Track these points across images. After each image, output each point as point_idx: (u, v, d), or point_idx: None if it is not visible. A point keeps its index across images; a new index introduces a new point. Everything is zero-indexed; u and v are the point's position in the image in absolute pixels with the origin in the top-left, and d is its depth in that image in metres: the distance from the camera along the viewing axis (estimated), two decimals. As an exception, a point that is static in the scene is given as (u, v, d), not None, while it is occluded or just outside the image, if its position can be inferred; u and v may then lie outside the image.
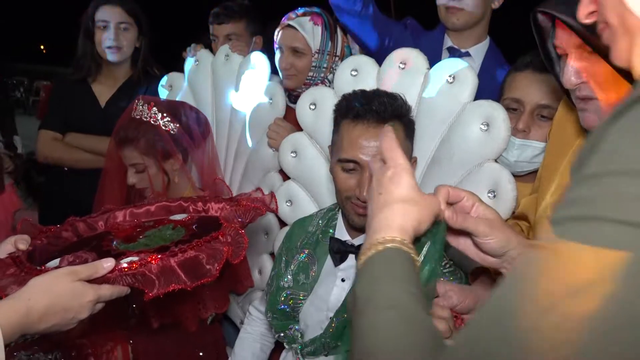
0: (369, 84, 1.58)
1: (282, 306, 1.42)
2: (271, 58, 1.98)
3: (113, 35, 2.15)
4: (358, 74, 1.61)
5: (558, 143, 1.25)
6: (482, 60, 1.97)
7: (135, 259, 0.96)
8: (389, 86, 1.53)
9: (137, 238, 1.15)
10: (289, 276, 1.44)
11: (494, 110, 1.38)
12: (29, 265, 0.96)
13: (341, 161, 1.31)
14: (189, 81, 2.17)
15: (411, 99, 1.46)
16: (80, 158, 2.21)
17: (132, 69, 2.29)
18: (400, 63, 1.53)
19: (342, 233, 1.41)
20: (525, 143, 1.44)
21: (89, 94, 2.24)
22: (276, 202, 1.23)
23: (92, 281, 0.88)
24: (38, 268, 0.95)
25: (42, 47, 32.72)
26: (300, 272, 1.43)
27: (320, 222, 1.49)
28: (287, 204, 1.76)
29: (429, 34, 2.01)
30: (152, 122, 1.77)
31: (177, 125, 1.81)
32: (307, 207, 1.72)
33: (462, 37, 1.94)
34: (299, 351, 1.41)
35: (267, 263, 1.87)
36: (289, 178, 1.80)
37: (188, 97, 2.16)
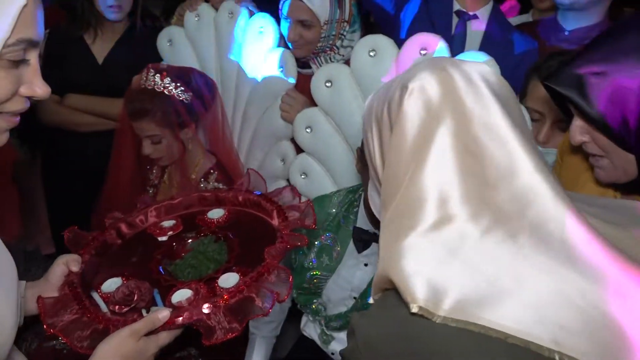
0: (386, 66, 1.60)
1: (306, 284, 1.54)
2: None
3: None
4: (376, 54, 1.61)
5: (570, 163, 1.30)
6: (487, 22, 1.97)
7: (188, 293, 1.03)
8: (407, 71, 1.55)
9: (182, 253, 1.22)
10: (312, 256, 1.55)
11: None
12: (88, 303, 1.02)
13: None
14: (190, 38, 2.11)
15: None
16: (82, 122, 2.17)
17: (129, 22, 2.19)
18: (422, 49, 1.55)
19: (364, 222, 1.50)
20: (543, 151, 1.45)
21: (86, 51, 2.15)
22: (313, 212, 1.23)
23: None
24: (102, 310, 1.02)
25: None
26: (324, 253, 1.53)
27: (340, 204, 1.57)
28: (302, 176, 1.83)
29: None
30: (166, 93, 1.76)
31: (190, 93, 1.80)
32: (322, 180, 1.79)
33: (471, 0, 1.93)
34: (323, 324, 1.56)
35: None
36: (299, 147, 1.85)
37: (190, 55, 2.12)
